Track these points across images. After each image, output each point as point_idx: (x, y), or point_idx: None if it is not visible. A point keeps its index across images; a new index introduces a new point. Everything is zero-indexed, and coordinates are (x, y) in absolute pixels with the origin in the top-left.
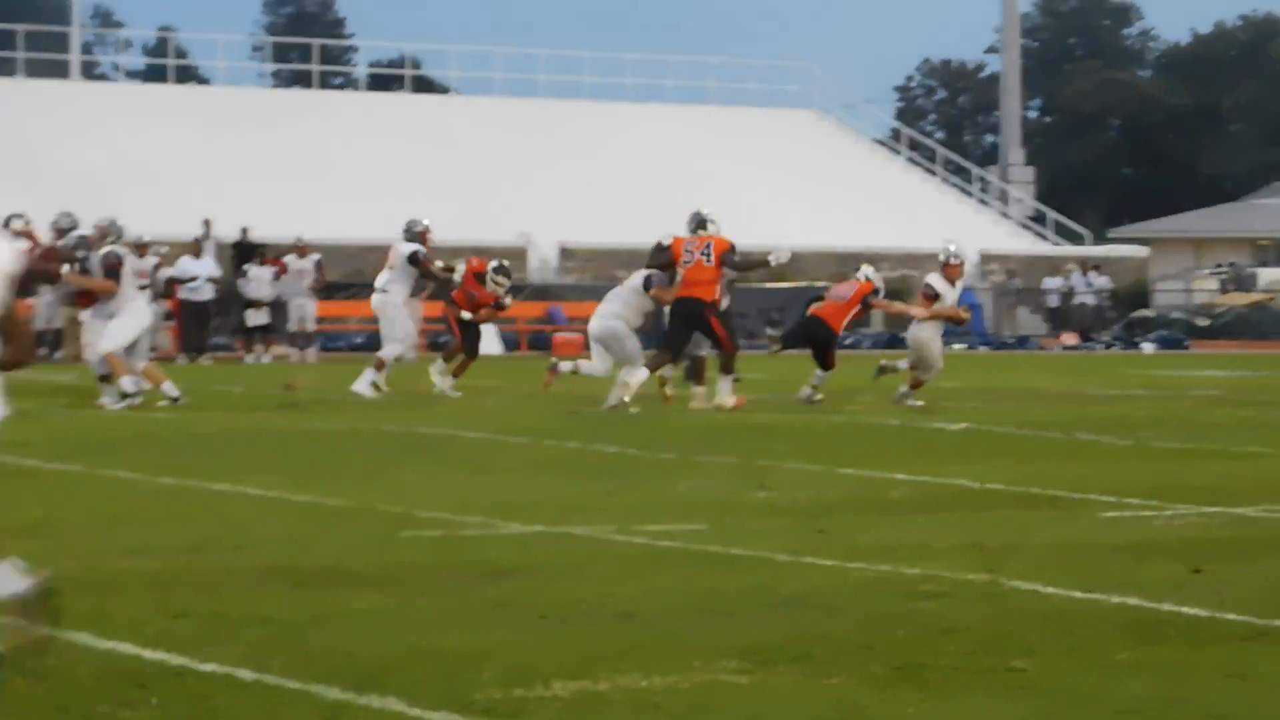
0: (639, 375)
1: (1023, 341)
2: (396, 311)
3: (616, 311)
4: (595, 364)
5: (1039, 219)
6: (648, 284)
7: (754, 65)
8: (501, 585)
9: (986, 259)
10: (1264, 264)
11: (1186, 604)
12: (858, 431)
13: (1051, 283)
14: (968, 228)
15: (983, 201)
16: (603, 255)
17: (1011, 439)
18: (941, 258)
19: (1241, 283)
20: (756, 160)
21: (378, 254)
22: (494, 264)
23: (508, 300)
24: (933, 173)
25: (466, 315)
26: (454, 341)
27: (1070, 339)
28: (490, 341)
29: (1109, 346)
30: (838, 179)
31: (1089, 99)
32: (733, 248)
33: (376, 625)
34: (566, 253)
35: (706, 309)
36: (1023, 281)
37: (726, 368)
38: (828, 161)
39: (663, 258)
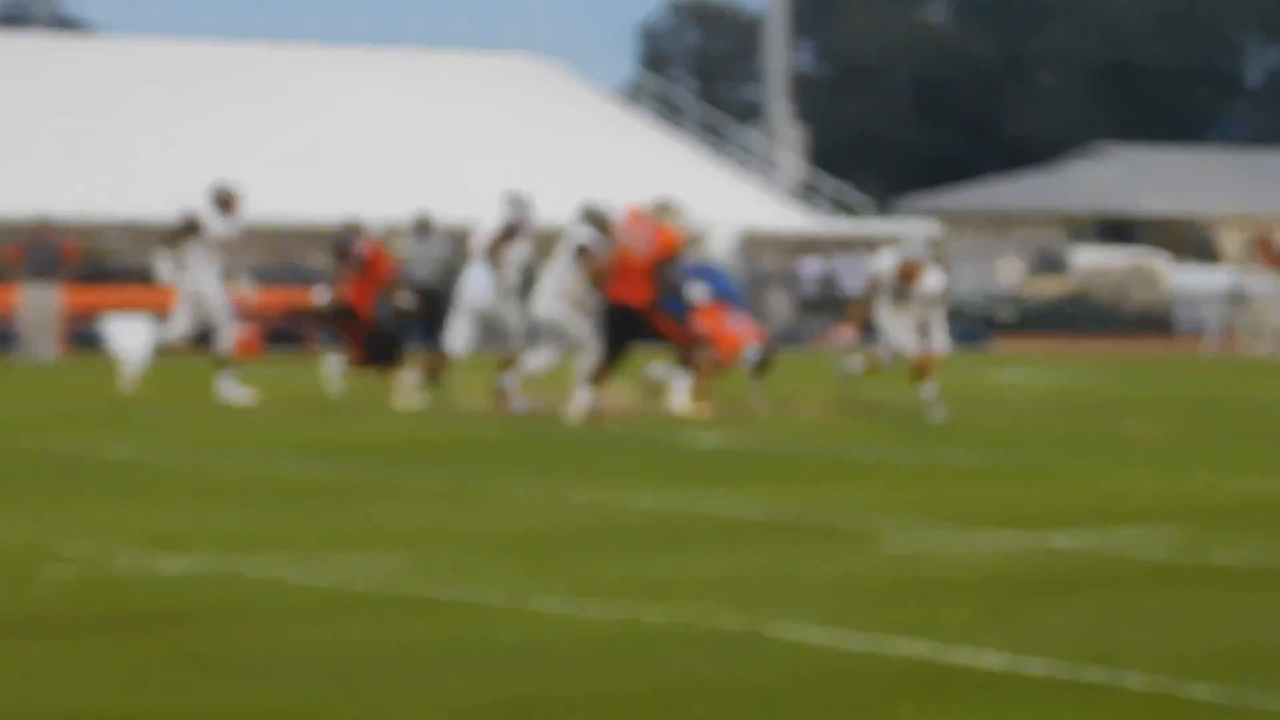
0: (583, 363)
1: (792, 337)
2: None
3: (558, 289)
4: (539, 356)
5: (811, 189)
6: (581, 253)
7: (462, 1)
8: (158, 634)
9: (748, 237)
10: (1079, 243)
11: (984, 651)
12: (591, 446)
13: (810, 268)
14: (724, 199)
15: (743, 168)
16: (279, 235)
17: (774, 455)
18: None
19: (1052, 266)
20: (462, 115)
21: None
22: None
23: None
24: (682, 132)
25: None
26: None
27: (847, 334)
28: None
29: None
30: (563, 139)
31: (871, 45)
32: (673, 256)
33: (6, 683)
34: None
35: (643, 315)
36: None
37: (684, 361)
38: (551, 118)
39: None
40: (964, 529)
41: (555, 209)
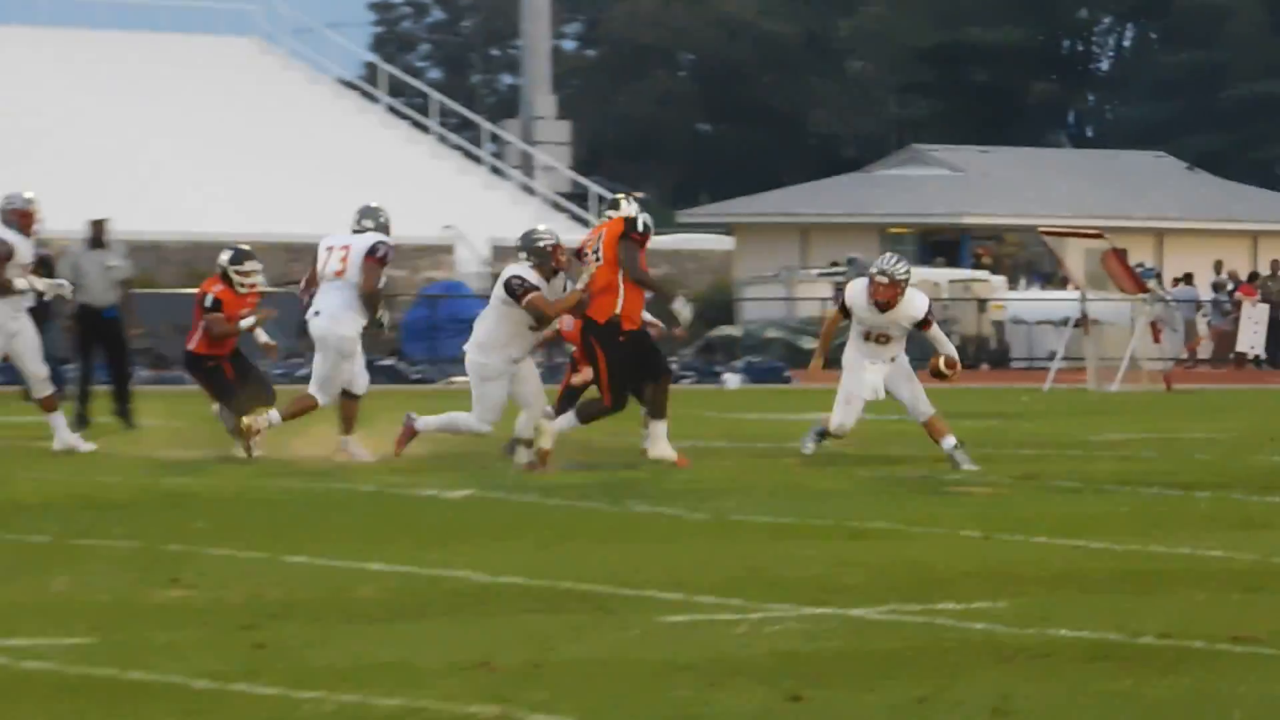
0: (559, 424)
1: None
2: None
3: (481, 339)
4: (468, 416)
5: (578, 196)
6: (510, 290)
7: None
8: None
9: (501, 252)
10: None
11: None
12: (314, 502)
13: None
14: (474, 207)
15: (497, 171)
16: None
17: (535, 510)
18: None
19: None
20: (165, 107)
21: None
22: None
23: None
24: (425, 128)
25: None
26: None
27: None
28: None
29: (677, 379)
30: (284, 136)
31: (649, 25)
32: (629, 228)
33: None
34: None
35: (594, 334)
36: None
37: (655, 412)
38: (271, 110)
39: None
40: (756, 600)
41: (275, 219)
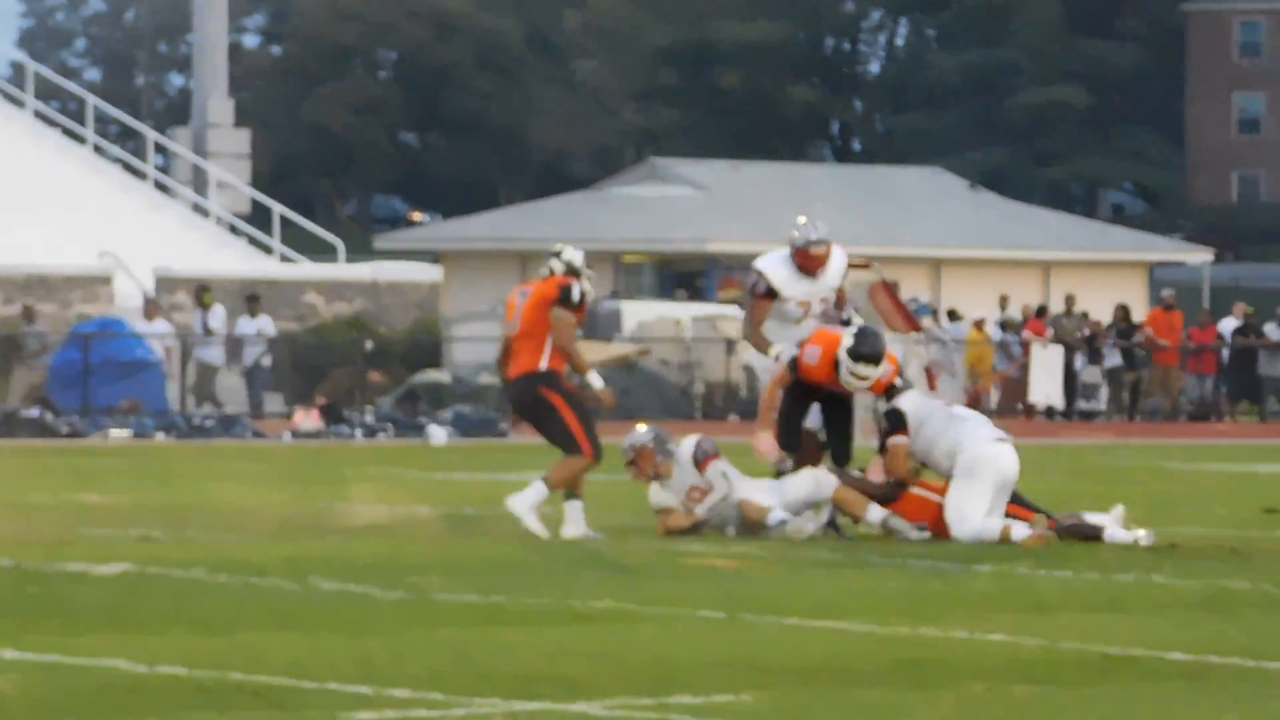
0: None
1: (227, 426)
2: None
3: None
4: None
5: (260, 218)
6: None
7: None
8: None
9: (169, 284)
10: (632, 294)
11: None
12: None
13: (252, 326)
14: (138, 231)
15: (163, 188)
16: None
17: (201, 589)
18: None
19: (596, 325)
20: None
21: None
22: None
23: None
24: (80, 138)
25: None
26: None
27: (311, 420)
28: None
29: (372, 434)
30: None
31: (344, 19)
32: (564, 294)
33: None
34: None
35: (542, 386)
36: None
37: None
38: None
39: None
40: (461, 694)
41: None
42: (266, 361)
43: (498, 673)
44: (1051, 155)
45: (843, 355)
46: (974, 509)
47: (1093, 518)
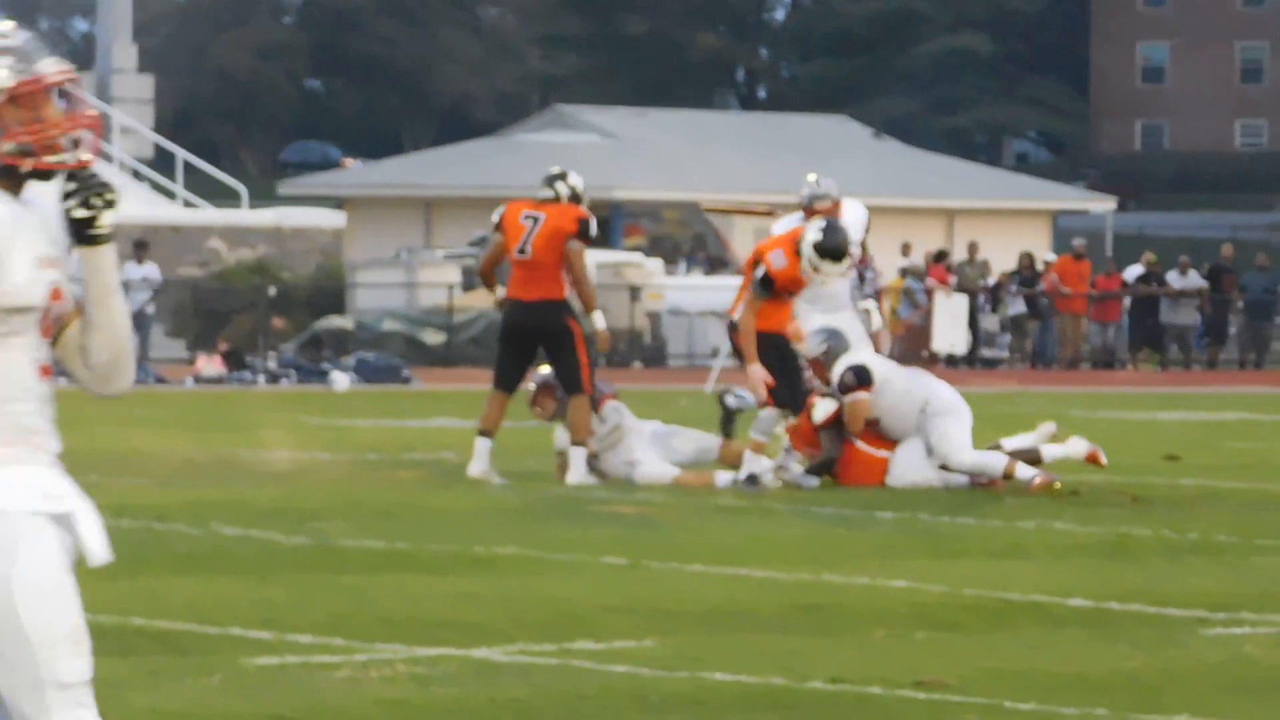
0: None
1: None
2: None
3: None
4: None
5: (163, 163)
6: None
7: None
8: None
9: None
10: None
11: None
12: None
13: (138, 272)
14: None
15: None
16: None
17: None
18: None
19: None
20: None
21: None
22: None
23: None
24: None
25: None
26: None
27: (214, 365)
28: None
29: (275, 379)
30: None
31: None
32: (584, 227)
33: None
34: None
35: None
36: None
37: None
38: None
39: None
40: (364, 638)
41: None
42: (151, 309)
43: (400, 618)
44: (956, 103)
45: (806, 248)
46: (967, 440)
47: (1019, 440)
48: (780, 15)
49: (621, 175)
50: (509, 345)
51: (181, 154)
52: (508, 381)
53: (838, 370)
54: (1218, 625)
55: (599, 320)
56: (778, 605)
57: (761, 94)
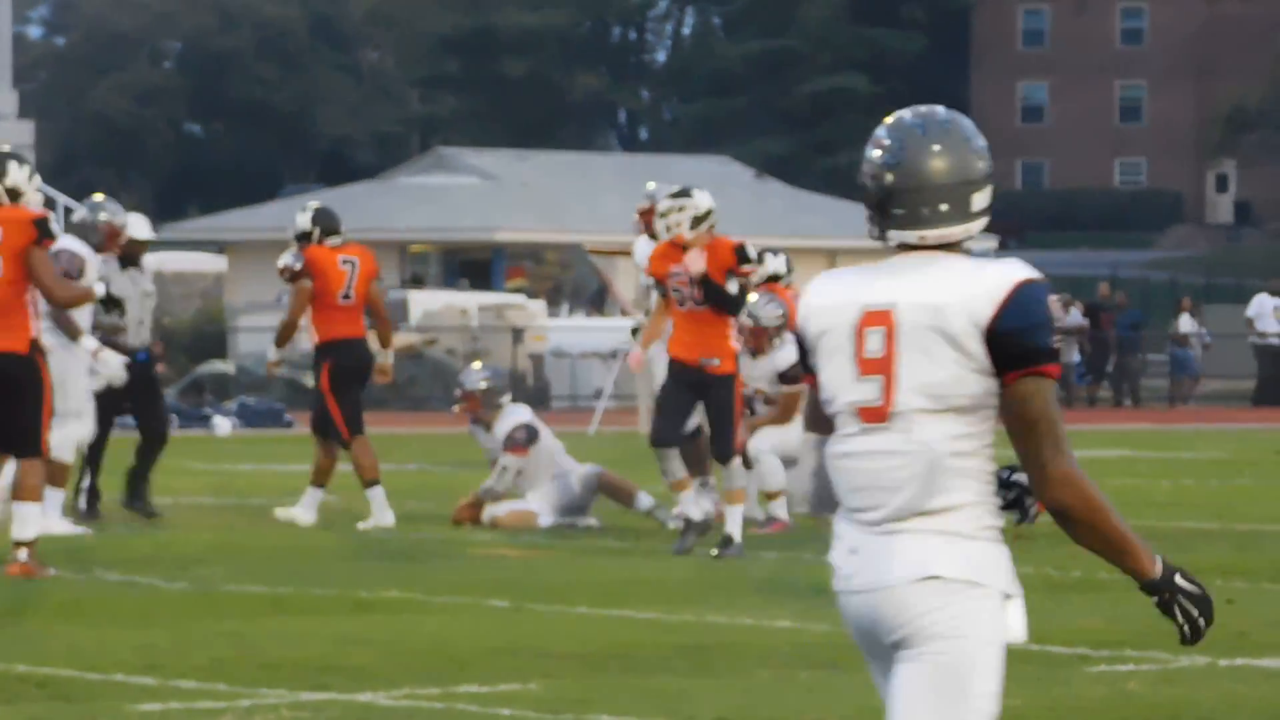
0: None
1: None
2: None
3: None
4: None
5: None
6: None
7: None
8: None
9: None
10: (419, 282)
11: None
12: None
13: None
14: None
15: None
16: None
17: None
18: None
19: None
20: None
21: None
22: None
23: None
24: None
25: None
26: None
27: None
28: None
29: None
30: None
31: (127, 9)
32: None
33: None
34: None
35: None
36: None
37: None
38: None
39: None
40: (247, 684)
41: None
42: None
43: (284, 663)
44: (836, 143)
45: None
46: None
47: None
48: (661, 56)
49: (503, 217)
50: (358, 386)
51: (62, 199)
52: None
53: (786, 358)
54: (1101, 663)
55: (390, 357)
56: (662, 646)
57: (643, 135)
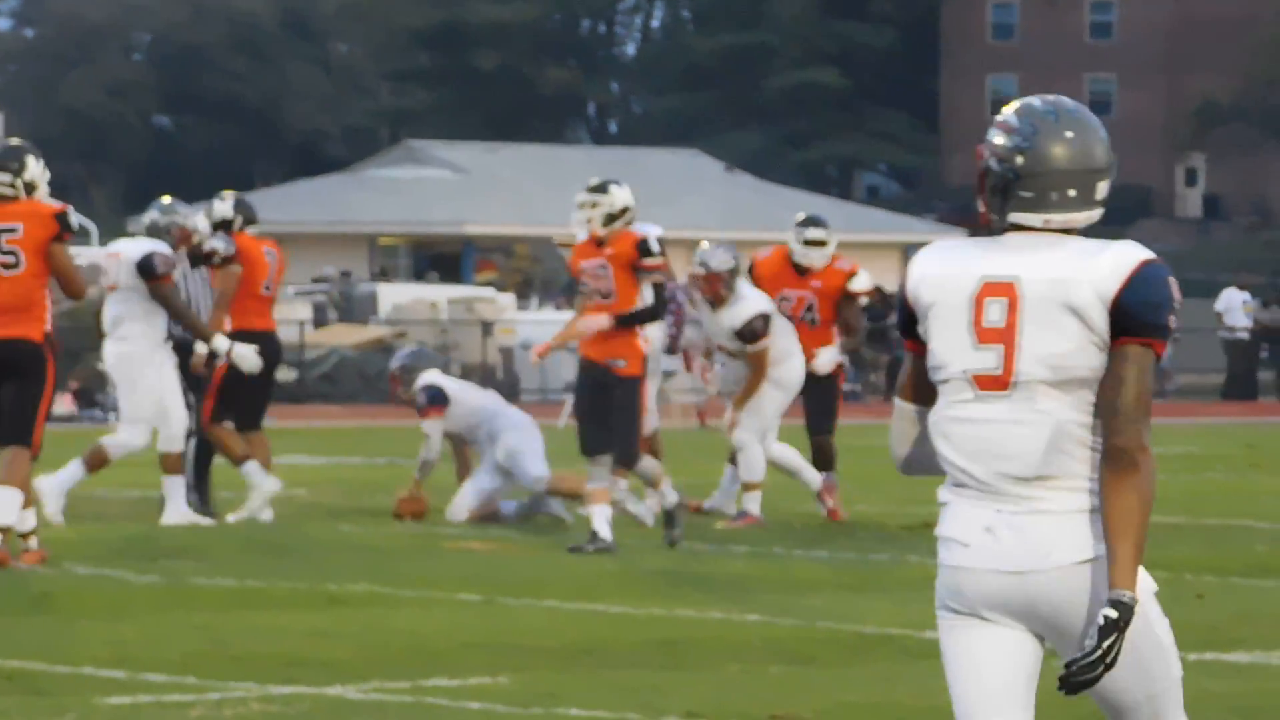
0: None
1: None
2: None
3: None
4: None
5: None
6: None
7: None
8: None
9: None
10: (388, 275)
11: None
12: None
13: None
14: None
15: None
16: None
17: None
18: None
19: (351, 308)
20: None
21: None
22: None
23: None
24: None
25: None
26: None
27: (64, 404)
28: None
29: (72, 419)
30: None
31: (97, 2)
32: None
33: None
34: None
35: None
36: None
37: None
38: None
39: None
40: (217, 677)
41: None
42: None
43: (254, 656)
44: (807, 137)
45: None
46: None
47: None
48: (631, 50)
49: (472, 210)
50: (267, 380)
51: None
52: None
53: (742, 313)
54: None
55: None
56: (632, 640)
57: (613, 128)
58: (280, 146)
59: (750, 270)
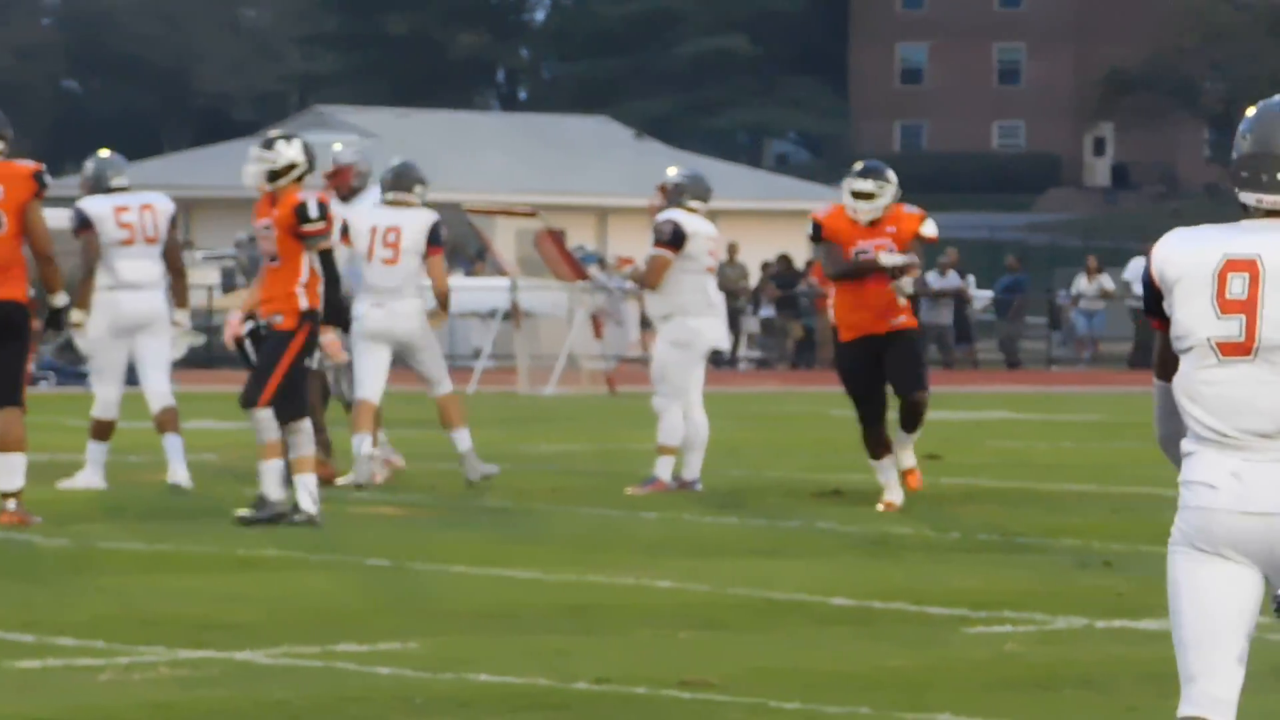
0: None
1: None
2: None
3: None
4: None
5: None
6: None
7: None
8: None
9: None
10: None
11: None
12: None
13: None
14: None
15: None
16: None
17: None
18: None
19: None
20: None
21: None
22: None
23: None
24: None
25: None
26: None
27: None
28: None
29: (34, 382)
30: None
31: None
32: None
33: None
34: None
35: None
36: None
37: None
38: None
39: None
40: (126, 641)
41: None
42: None
43: (163, 620)
44: (717, 104)
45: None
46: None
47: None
48: (540, 16)
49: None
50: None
51: None
52: None
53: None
54: (979, 624)
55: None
56: (542, 606)
57: (523, 95)
58: (189, 111)
59: (815, 229)
